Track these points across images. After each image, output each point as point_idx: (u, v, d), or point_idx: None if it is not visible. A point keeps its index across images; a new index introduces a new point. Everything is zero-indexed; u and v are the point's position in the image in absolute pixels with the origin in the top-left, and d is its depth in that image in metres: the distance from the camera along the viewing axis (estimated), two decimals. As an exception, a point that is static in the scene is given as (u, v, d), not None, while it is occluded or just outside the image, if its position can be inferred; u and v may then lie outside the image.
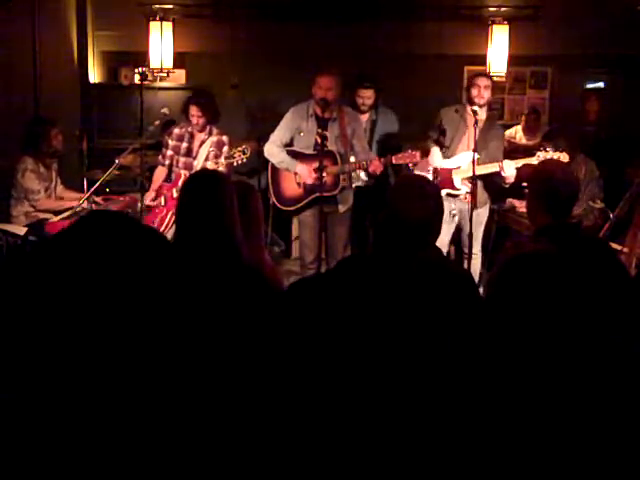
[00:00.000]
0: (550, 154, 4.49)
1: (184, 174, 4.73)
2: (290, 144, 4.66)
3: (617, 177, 5.33)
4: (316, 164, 4.42)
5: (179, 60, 6.74)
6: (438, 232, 2.38)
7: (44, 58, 5.87)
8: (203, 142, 4.79)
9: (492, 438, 1.88)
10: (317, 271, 4.60)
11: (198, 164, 4.74)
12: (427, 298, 2.10)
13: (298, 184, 4.59)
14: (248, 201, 2.78)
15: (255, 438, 2.00)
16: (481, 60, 6.67)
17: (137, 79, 6.87)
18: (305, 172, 4.51)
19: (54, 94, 6.00)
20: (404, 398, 1.96)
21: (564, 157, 4.52)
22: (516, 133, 6.45)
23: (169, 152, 4.86)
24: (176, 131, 4.86)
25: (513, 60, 6.66)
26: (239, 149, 4.60)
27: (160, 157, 4.94)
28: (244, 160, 4.63)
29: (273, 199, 4.71)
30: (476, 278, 4.70)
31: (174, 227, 4.81)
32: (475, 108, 4.45)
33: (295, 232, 6.32)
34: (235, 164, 4.64)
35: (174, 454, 1.98)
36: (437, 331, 2.04)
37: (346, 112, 4.61)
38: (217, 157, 4.74)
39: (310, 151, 4.56)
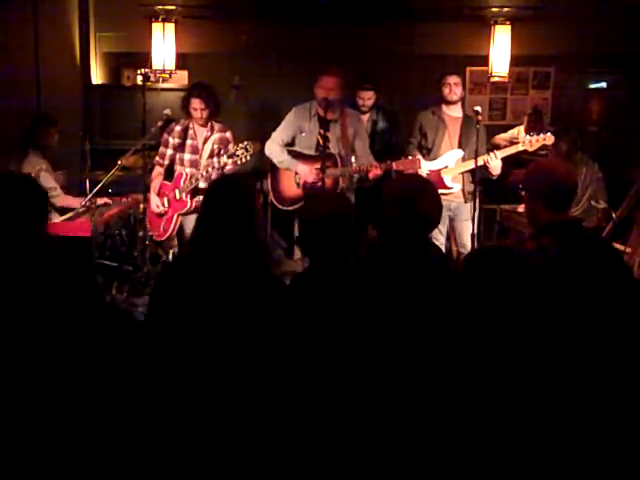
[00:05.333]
0: (535, 137, 4.58)
1: (186, 173, 4.68)
2: (292, 144, 4.64)
3: (619, 177, 5.32)
4: (317, 165, 4.42)
5: (181, 61, 6.74)
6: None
7: (46, 59, 5.87)
8: (207, 139, 4.68)
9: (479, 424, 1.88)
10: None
11: (202, 161, 4.65)
12: (437, 298, 2.10)
13: (297, 184, 4.58)
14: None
15: (261, 436, 2.00)
16: (483, 60, 6.66)
17: (139, 80, 6.93)
18: (306, 172, 4.50)
19: (56, 95, 6.01)
20: (404, 391, 1.97)
21: (549, 139, 4.59)
22: (518, 133, 6.44)
23: (169, 151, 4.76)
24: (177, 128, 4.74)
25: (515, 60, 6.65)
26: (240, 145, 4.44)
27: (158, 157, 4.82)
28: (248, 158, 4.46)
29: (271, 198, 4.70)
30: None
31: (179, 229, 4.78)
32: (477, 108, 4.47)
33: (297, 232, 6.31)
34: (239, 162, 4.46)
35: (180, 450, 1.99)
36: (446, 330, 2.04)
37: (348, 114, 4.60)
38: (220, 155, 4.61)
39: (311, 152, 4.55)
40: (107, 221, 5.00)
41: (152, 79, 6.50)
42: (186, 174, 4.67)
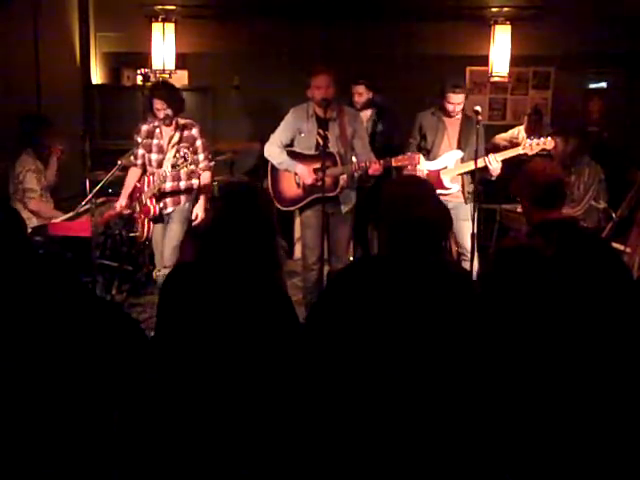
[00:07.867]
0: (535, 141, 4.58)
1: (151, 177, 4.60)
2: (291, 145, 4.64)
3: (619, 177, 5.33)
4: (316, 165, 4.41)
5: (181, 61, 6.75)
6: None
7: (46, 59, 5.87)
8: (171, 138, 4.59)
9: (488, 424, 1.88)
10: (319, 272, 4.58)
11: (168, 162, 4.48)
12: (441, 303, 2.09)
13: (297, 185, 4.58)
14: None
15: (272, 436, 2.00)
16: (483, 60, 6.66)
17: (139, 80, 6.94)
18: (305, 173, 4.50)
19: (56, 95, 6.01)
20: (414, 392, 1.97)
21: (549, 143, 4.59)
22: (519, 133, 6.45)
23: (140, 151, 4.66)
24: (144, 128, 4.65)
25: (515, 60, 6.65)
26: (179, 155, 4.35)
27: (132, 157, 4.76)
28: (188, 166, 4.40)
29: (272, 199, 4.69)
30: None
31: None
32: (477, 108, 4.47)
33: (297, 233, 6.31)
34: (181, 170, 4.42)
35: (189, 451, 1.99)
36: (448, 333, 2.03)
37: (346, 112, 4.59)
38: (187, 156, 4.40)
39: (311, 152, 4.54)
40: (107, 221, 5.00)
41: (152, 79, 6.51)
42: (151, 178, 4.62)
